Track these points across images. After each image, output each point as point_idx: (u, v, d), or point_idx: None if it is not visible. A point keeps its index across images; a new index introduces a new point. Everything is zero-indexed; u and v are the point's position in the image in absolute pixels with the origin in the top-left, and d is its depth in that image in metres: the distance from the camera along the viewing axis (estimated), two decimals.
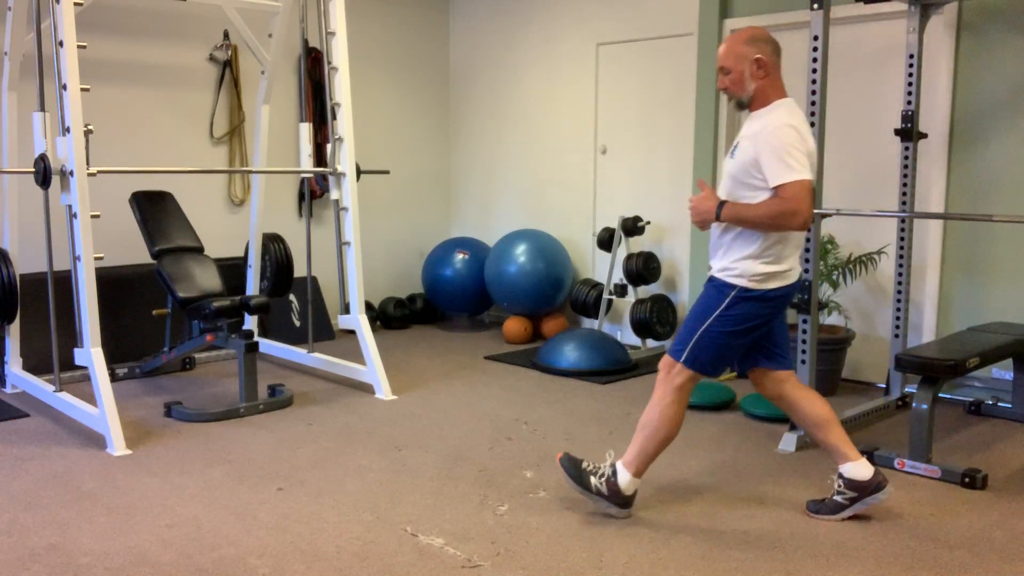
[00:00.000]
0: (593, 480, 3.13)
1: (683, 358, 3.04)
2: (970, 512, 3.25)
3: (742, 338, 3.03)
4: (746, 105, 3.04)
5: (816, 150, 3.02)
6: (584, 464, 3.18)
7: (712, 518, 3.20)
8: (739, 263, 2.97)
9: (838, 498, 3.13)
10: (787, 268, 3.01)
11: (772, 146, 2.85)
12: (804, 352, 3.94)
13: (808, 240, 3.87)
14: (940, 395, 3.76)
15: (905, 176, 4.46)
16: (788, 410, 3.23)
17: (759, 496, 3.40)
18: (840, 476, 3.13)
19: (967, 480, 3.47)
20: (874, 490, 3.09)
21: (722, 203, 2.95)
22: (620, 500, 3.13)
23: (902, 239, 4.54)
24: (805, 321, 3.92)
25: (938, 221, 4.71)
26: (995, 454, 3.89)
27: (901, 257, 4.55)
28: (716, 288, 3.03)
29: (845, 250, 4.92)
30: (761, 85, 2.98)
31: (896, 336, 4.57)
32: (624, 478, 3.11)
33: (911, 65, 4.41)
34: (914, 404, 3.62)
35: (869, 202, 4.95)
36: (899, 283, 4.56)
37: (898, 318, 4.57)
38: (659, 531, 3.09)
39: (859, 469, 3.11)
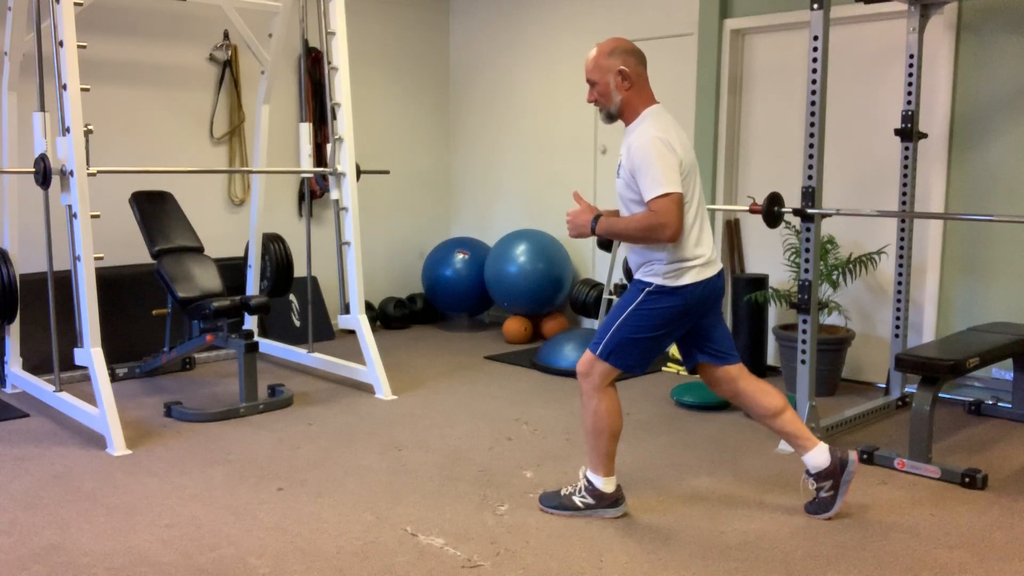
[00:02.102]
0: (576, 499, 3.20)
1: (599, 351, 3.08)
2: (970, 512, 3.25)
3: (656, 332, 3.05)
4: (615, 116, 3.09)
5: (691, 148, 3.04)
6: (562, 491, 3.26)
7: (712, 518, 3.20)
8: (652, 264, 3.03)
9: (822, 495, 3.16)
10: (700, 260, 3.01)
11: (641, 161, 2.91)
12: (804, 352, 3.94)
13: (808, 240, 3.87)
14: (940, 395, 3.76)
15: (905, 176, 4.46)
16: (743, 404, 3.26)
17: (759, 496, 3.40)
18: (808, 474, 3.17)
19: (967, 480, 3.47)
20: (842, 468, 3.13)
21: (597, 216, 3.03)
22: (607, 501, 3.18)
23: (902, 239, 4.53)
24: (805, 321, 3.92)
25: (938, 221, 4.71)
26: (995, 454, 3.89)
27: (901, 257, 4.55)
28: (635, 286, 3.09)
29: (845, 250, 4.92)
30: (627, 96, 3.02)
31: (896, 336, 4.57)
32: (599, 481, 3.17)
33: (911, 65, 4.41)
34: (914, 404, 3.62)
35: (869, 202, 4.95)
36: (899, 283, 4.56)
37: (898, 318, 4.57)
38: (659, 531, 3.09)
39: (818, 457, 3.14)
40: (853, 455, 3.15)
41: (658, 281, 3.01)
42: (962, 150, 4.63)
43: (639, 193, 2.94)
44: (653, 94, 3.08)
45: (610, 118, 3.10)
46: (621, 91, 3.01)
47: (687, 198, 2.96)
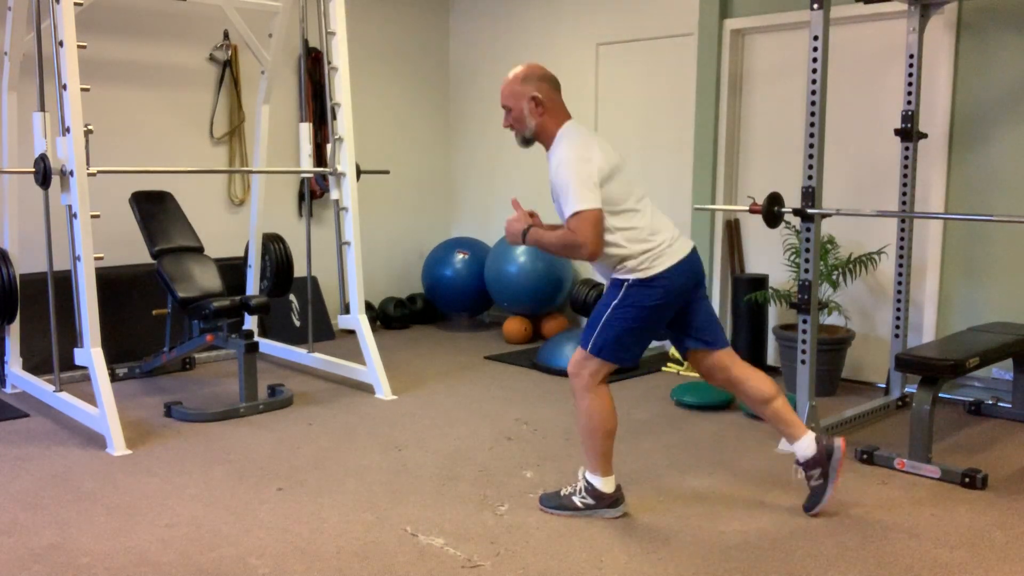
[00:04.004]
0: (575, 499, 3.21)
1: (589, 347, 3.11)
2: (970, 512, 3.25)
3: (642, 323, 3.08)
4: (531, 141, 3.15)
5: (613, 151, 3.08)
6: (562, 491, 3.27)
7: (712, 518, 3.20)
8: (619, 271, 3.07)
9: (812, 483, 3.18)
10: (664, 245, 3.06)
11: (558, 183, 2.99)
12: (804, 352, 3.93)
13: (808, 240, 3.87)
14: (940, 395, 3.76)
15: (905, 176, 4.46)
16: (735, 391, 3.29)
17: (759, 496, 3.40)
18: (798, 464, 3.19)
19: (967, 480, 3.47)
20: (830, 456, 3.15)
21: (528, 227, 3.09)
22: (607, 501, 3.19)
23: (902, 239, 4.53)
24: (805, 321, 3.92)
25: (938, 221, 4.71)
26: (995, 454, 3.89)
27: (901, 257, 4.55)
28: (614, 283, 3.12)
29: (845, 250, 4.92)
30: (540, 122, 3.09)
31: (896, 336, 4.57)
32: (598, 482, 3.18)
33: (911, 65, 4.41)
34: (914, 404, 3.62)
35: (869, 202, 4.95)
36: (899, 283, 4.56)
37: (898, 318, 4.57)
38: (659, 531, 3.09)
39: (806, 446, 3.17)
40: (839, 441, 3.16)
41: (633, 276, 3.05)
42: (962, 150, 4.63)
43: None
44: (567, 112, 3.13)
45: (526, 142, 3.16)
46: (535, 117, 3.07)
47: (622, 196, 3.03)
